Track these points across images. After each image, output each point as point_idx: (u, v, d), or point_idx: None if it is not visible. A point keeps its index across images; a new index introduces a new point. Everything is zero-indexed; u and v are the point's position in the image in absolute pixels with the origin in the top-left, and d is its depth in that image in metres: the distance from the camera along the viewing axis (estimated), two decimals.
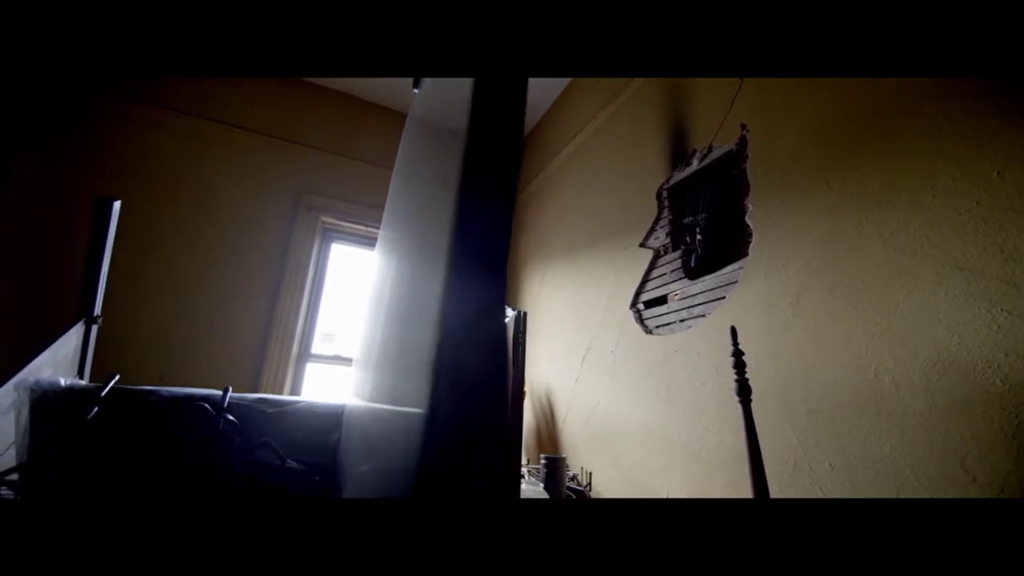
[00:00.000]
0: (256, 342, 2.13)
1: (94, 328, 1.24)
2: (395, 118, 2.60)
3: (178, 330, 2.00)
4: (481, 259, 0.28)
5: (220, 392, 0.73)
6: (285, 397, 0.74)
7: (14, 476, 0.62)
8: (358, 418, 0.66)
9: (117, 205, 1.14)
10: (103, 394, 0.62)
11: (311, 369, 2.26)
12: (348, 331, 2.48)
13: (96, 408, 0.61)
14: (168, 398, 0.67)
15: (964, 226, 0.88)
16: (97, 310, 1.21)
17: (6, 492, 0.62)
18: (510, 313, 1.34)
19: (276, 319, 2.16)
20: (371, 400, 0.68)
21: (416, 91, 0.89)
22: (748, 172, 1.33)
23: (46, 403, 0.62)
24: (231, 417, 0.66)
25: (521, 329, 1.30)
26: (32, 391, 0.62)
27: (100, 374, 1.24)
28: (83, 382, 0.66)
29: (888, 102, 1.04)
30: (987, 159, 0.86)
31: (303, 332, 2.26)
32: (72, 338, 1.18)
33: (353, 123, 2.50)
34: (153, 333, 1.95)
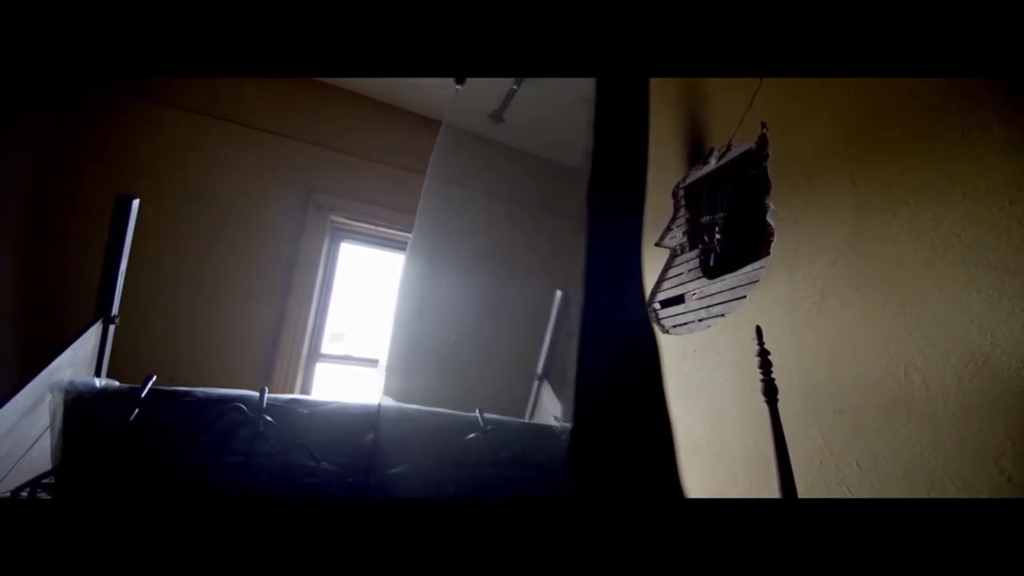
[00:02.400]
0: (266, 342, 2.11)
1: (111, 328, 1.22)
2: (407, 118, 2.58)
3: (187, 330, 1.98)
4: (618, 264, 0.27)
5: (252, 393, 0.72)
6: (318, 398, 0.73)
7: (49, 479, 0.61)
8: (431, 423, 0.65)
9: (136, 204, 1.13)
10: (143, 395, 0.61)
11: (320, 369, 2.25)
12: (358, 331, 2.47)
13: (137, 410, 0.60)
14: (204, 399, 0.66)
15: (997, 225, 0.87)
16: (115, 309, 1.20)
17: (42, 495, 0.61)
18: (557, 296, 1.33)
19: (286, 319, 2.14)
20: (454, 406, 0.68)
21: (459, 87, 0.88)
22: (768, 170, 1.32)
23: (81, 404, 0.61)
24: (269, 418, 0.65)
25: (565, 313, 1.30)
26: (67, 392, 0.61)
27: (113, 374, 1.23)
28: (117, 383, 0.65)
29: (915, 100, 1.03)
30: (1021, 158, 0.86)
31: (313, 332, 2.24)
32: (90, 338, 1.17)
33: (363, 122, 2.48)
34: (161, 333, 1.94)
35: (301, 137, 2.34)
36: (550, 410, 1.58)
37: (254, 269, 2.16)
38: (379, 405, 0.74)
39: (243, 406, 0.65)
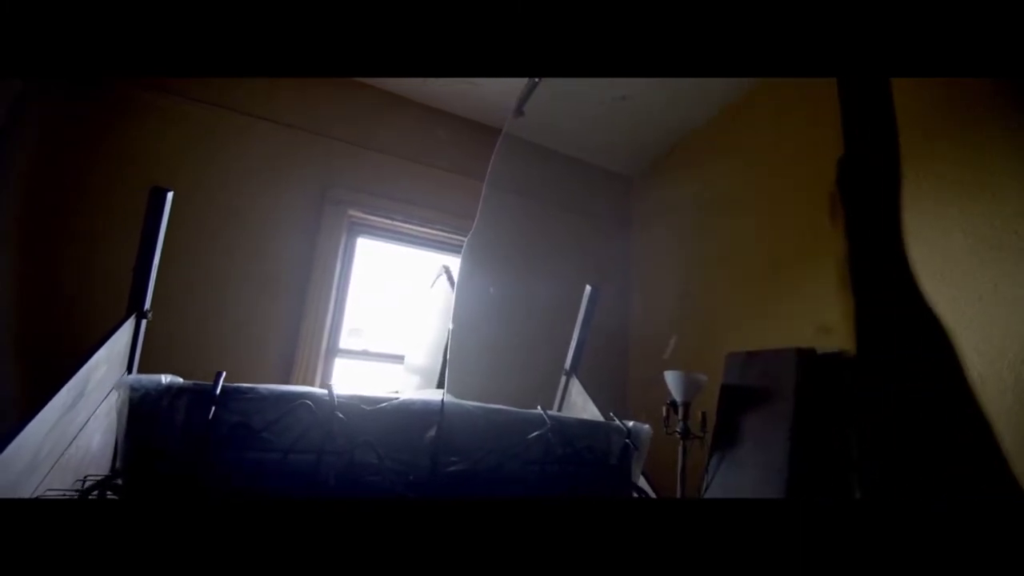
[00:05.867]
0: (285, 337, 2.09)
1: (143, 323, 1.21)
2: (424, 112, 2.55)
3: (204, 325, 1.96)
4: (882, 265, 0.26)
5: (315, 390, 0.71)
6: (381, 394, 0.72)
7: (117, 480, 0.60)
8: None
9: (170, 196, 1.10)
10: (217, 392, 0.59)
11: (339, 364, 2.24)
12: (376, 326, 2.46)
13: (214, 408, 0.58)
14: (268, 396, 0.65)
15: None
16: (147, 304, 1.18)
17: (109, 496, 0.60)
18: (587, 290, 1.33)
19: (305, 314, 2.13)
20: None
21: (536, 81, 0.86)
22: None
23: (148, 402, 0.59)
24: (341, 415, 0.63)
25: (593, 308, 1.30)
26: (133, 390, 0.60)
27: (141, 370, 1.21)
28: (181, 380, 0.64)
29: (967, 94, 1.02)
30: None
31: (331, 327, 2.23)
32: (124, 333, 1.15)
33: (380, 116, 2.45)
34: (177, 330, 1.91)
35: (317, 131, 2.31)
36: (579, 406, 1.57)
37: (271, 264, 2.14)
38: (442, 402, 0.73)
39: (311, 403, 0.64)
